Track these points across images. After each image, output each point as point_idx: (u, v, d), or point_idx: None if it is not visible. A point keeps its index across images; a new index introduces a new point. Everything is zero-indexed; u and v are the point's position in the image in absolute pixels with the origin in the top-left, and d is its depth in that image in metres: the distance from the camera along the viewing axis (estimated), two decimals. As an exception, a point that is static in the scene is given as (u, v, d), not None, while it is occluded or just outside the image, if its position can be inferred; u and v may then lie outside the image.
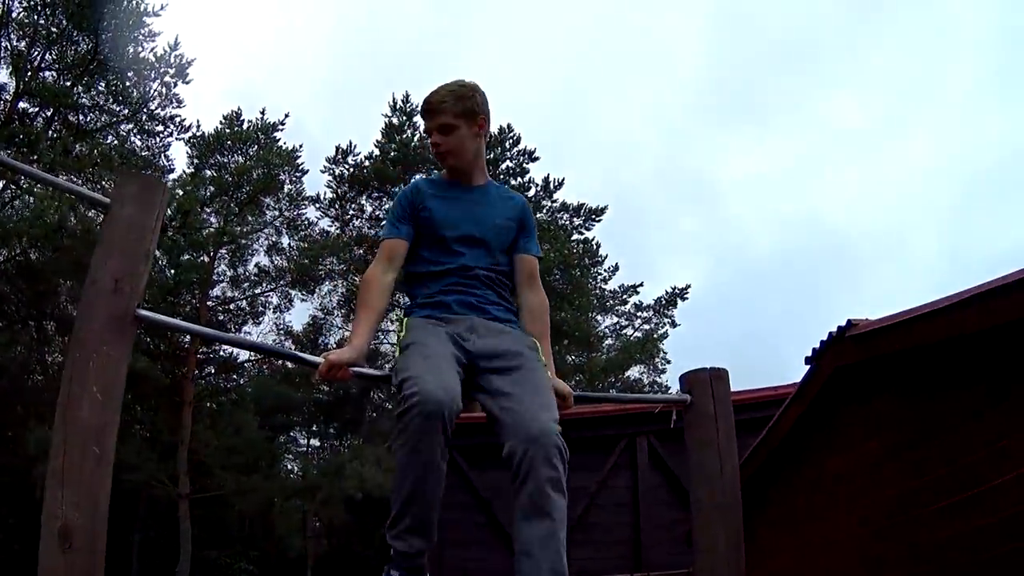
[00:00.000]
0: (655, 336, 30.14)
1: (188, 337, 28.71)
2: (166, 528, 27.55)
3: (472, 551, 8.63)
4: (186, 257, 27.22)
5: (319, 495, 28.52)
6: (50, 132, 15.87)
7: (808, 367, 5.10)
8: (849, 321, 4.42)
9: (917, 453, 4.22)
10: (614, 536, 8.94)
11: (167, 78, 21.36)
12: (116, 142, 20.73)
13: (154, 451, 28.72)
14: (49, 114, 20.12)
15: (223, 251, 29.05)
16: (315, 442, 36.97)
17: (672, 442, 8.67)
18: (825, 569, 5.45)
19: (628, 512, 9.01)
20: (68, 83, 19.57)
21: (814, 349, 4.90)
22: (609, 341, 30.85)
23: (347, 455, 32.12)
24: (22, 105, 19.78)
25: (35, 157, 12.80)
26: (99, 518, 2.51)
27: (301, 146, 27.62)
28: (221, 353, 31.16)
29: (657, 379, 31.82)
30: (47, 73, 20.25)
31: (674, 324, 30.68)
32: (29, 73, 19.50)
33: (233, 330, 30.58)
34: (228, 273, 29.76)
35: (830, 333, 4.62)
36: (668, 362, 30.95)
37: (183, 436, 26.52)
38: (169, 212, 15.87)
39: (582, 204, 28.77)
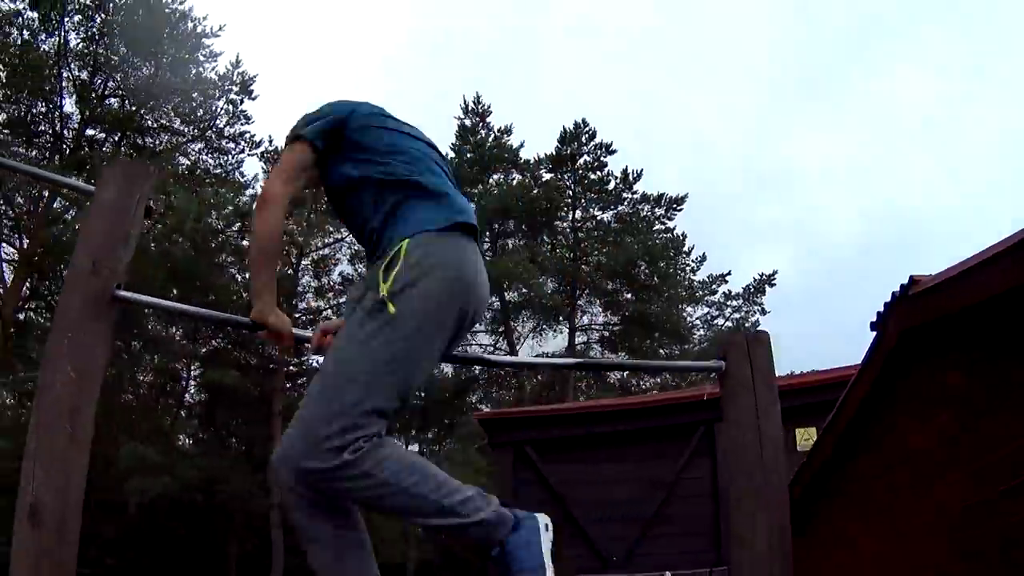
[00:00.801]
0: (746, 325, 29.68)
1: (277, 350, 29.63)
2: (262, 539, 28.11)
3: (550, 547, 8.37)
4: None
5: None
6: (120, 156, 16.38)
7: (874, 335, 4.69)
8: (911, 278, 4.01)
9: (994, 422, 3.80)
10: (694, 528, 8.54)
11: (232, 95, 21.80)
12: (187, 162, 21.18)
13: (248, 463, 29.42)
14: (117, 138, 20.75)
15: (306, 263, 29.83)
16: (414, 447, 37.39)
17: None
18: (911, 555, 5.01)
19: (708, 502, 8.60)
20: (132, 108, 20.08)
21: (878, 313, 4.50)
22: (700, 332, 30.56)
23: (440, 458, 32.45)
24: (89, 132, 20.51)
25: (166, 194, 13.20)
26: (70, 497, 2.46)
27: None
28: (315, 364, 31.79)
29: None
30: (111, 100, 20.92)
31: (763, 311, 30.49)
32: (94, 100, 20.25)
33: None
34: (313, 284, 30.38)
35: (893, 293, 4.23)
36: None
37: (273, 447, 27.01)
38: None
39: (662, 194, 28.64)
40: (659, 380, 26.30)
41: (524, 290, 26.53)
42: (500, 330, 28.72)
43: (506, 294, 27.47)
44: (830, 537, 5.83)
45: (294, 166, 2.33)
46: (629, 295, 28.10)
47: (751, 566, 2.85)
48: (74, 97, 20.37)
